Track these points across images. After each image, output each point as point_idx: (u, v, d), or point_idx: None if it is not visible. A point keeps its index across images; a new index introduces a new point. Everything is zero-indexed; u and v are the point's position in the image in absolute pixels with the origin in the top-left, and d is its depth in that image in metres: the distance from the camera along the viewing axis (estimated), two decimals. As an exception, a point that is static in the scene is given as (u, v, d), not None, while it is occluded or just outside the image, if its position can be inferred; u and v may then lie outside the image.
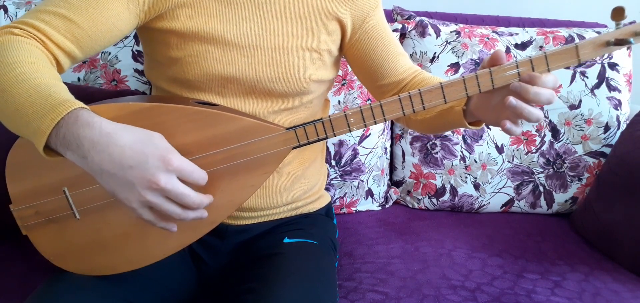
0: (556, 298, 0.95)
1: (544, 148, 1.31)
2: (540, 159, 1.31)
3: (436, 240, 1.17)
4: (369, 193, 1.33)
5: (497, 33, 1.35)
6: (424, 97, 0.73)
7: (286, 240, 0.88)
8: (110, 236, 0.74)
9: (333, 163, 1.29)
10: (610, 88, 1.30)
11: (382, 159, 1.34)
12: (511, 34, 1.35)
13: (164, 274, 0.83)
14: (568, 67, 1.28)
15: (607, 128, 1.29)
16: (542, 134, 1.31)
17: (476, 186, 1.32)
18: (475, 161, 1.31)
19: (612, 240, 1.13)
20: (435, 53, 1.32)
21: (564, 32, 1.35)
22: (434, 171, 1.33)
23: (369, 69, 0.92)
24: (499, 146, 1.31)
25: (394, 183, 1.40)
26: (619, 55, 1.32)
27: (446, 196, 1.33)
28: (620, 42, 0.68)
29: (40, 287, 0.74)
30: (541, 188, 1.32)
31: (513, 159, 1.31)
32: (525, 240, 1.19)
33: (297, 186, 0.92)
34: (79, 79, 1.25)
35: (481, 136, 1.31)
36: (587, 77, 1.30)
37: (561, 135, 1.30)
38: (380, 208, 1.36)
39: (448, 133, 1.31)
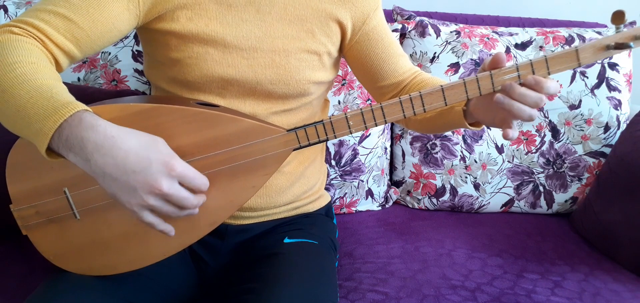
0: (556, 298, 0.96)
1: (544, 148, 1.31)
2: (540, 159, 1.31)
3: (436, 240, 1.17)
4: (369, 193, 1.33)
5: (497, 33, 1.35)
6: (425, 100, 0.73)
7: (286, 240, 0.88)
8: (110, 237, 0.74)
9: (333, 163, 1.29)
10: (610, 88, 1.30)
11: (382, 159, 1.34)
12: (511, 34, 1.35)
13: (164, 274, 0.83)
14: (568, 69, 1.28)
15: (607, 128, 1.29)
16: (542, 134, 1.31)
17: (476, 186, 1.32)
18: (475, 161, 1.31)
19: (612, 240, 1.13)
20: (435, 53, 1.32)
21: (564, 32, 1.35)
22: (434, 171, 1.33)
23: (369, 71, 0.92)
24: (499, 146, 1.31)
25: (394, 183, 1.40)
26: (619, 55, 1.31)
27: (446, 196, 1.33)
28: (620, 46, 0.68)
29: (40, 287, 0.74)
30: (541, 188, 1.32)
31: (513, 159, 1.31)
32: (525, 240, 1.19)
33: (297, 186, 0.92)
34: (79, 79, 1.25)
35: (481, 136, 1.31)
36: (587, 77, 1.30)
37: (561, 135, 1.30)
38: (380, 208, 1.36)
39: (448, 133, 1.31)
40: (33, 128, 0.61)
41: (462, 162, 1.31)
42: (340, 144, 1.28)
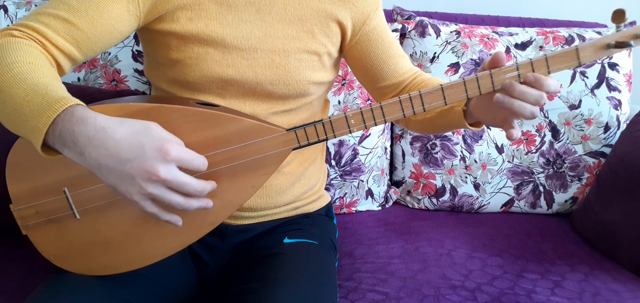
0: (556, 298, 0.96)
1: (544, 148, 1.31)
2: (540, 159, 1.31)
3: (436, 240, 1.17)
4: (369, 193, 1.33)
5: (497, 33, 1.35)
6: (425, 99, 0.73)
7: (286, 240, 0.88)
8: (110, 237, 0.74)
9: (333, 163, 1.29)
10: (610, 88, 1.30)
11: (382, 159, 1.34)
12: (511, 34, 1.35)
13: (164, 274, 0.83)
14: (568, 69, 1.28)
15: (607, 128, 1.29)
16: (542, 134, 1.31)
17: (476, 186, 1.32)
18: (475, 161, 1.31)
19: (611, 240, 1.13)
20: (435, 53, 1.32)
21: (564, 32, 1.35)
22: (434, 171, 1.33)
23: (369, 71, 0.92)
24: (499, 146, 1.31)
25: (394, 183, 1.40)
26: (619, 55, 1.31)
27: (446, 196, 1.33)
28: (620, 45, 0.68)
29: (40, 287, 0.74)
30: (541, 188, 1.32)
31: (513, 159, 1.31)
32: (525, 240, 1.19)
33: (297, 186, 0.92)
34: (79, 79, 1.25)
35: (481, 136, 1.31)
36: (587, 77, 1.30)
37: (561, 135, 1.30)
38: (380, 208, 1.36)
39: (448, 133, 1.31)
40: (29, 125, 0.61)
41: (462, 162, 1.31)
42: (340, 144, 1.28)
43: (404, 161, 1.36)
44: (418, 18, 1.36)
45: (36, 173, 0.71)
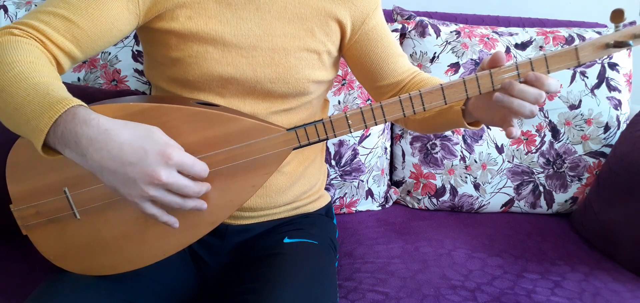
0: (556, 298, 0.95)
1: (544, 148, 1.31)
2: (540, 159, 1.31)
3: (436, 240, 1.17)
4: (369, 193, 1.33)
5: (497, 33, 1.35)
6: (424, 98, 0.73)
7: (286, 240, 0.88)
8: (110, 237, 0.74)
9: (333, 163, 1.29)
10: (610, 88, 1.30)
11: (382, 159, 1.34)
12: (511, 34, 1.35)
13: (164, 274, 0.83)
14: (568, 68, 1.28)
15: (607, 128, 1.29)
16: (542, 134, 1.31)
17: (476, 186, 1.32)
18: (475, 161, 1.31)
19: (611, 240, 1.13)
20: (435, 53, 1.32)
21: (564, 32, 1.35)
22: (434, 171, 1.33)
23: (368, 70, 0.92)
24: (499, 146, 1.31)
25: (394, 183, 1.40)
26: (619, 55, 1.32)
27: (446, 196, 1.33)
28: (619, 45, 0.68)
29: (40, 287, 0.74)
30: (541, 188, 1.32)
31: (513, 159, 1.31)
32: (525, 240, 1.19)
33: (297, 186, 0.92)
34: (79, 79, 1.25)
35: (481, 136, 1.31)
36: (587, 77, 1.30)
37: (561, 135, 1.30)
38: (380, 208, 1.36)
39: (448, 132, 1.31)
40: (30, 125, 0.61)
41: (462, 162, 1.31)
42: (340, 144, 1.28)
43: (404, 161, 1.36)
44: (418, 18, 1.36)
45: (36, 173, 0.71)
